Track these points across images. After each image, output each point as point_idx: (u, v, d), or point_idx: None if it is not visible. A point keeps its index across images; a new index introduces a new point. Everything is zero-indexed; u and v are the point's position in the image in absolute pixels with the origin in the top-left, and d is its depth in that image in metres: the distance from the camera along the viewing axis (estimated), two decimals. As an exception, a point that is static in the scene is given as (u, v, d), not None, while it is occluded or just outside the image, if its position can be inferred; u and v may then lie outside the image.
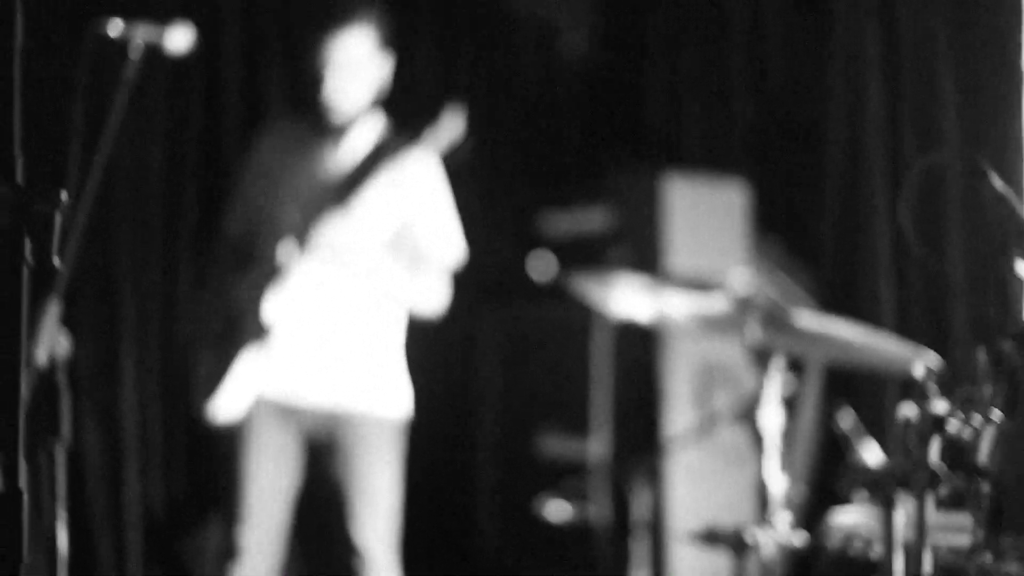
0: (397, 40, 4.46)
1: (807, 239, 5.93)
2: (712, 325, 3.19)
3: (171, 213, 5.92)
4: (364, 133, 4.36)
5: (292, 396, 4.30)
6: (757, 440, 2.88)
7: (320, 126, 4.33)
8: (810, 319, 2.91)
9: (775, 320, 2.91)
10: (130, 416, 5.82)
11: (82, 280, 5.65)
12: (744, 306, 2.89)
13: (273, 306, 4.20)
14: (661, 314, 3.20)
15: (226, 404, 4.26)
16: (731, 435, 5.17)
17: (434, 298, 4.37)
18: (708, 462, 5.18)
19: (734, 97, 6.26)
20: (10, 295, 2.53)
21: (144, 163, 5.85)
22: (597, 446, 4.94)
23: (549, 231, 5.64)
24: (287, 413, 4.31)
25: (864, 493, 3.07)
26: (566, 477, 4.74)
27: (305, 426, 4.33)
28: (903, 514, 2.58)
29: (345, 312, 4.31)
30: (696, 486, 5.16)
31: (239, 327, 4.29)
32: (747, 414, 2.86)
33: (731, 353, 5.22)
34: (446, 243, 4.40)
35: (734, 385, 5.26)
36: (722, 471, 5.21)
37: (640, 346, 5.15)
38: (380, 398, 4.36)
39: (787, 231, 5.85)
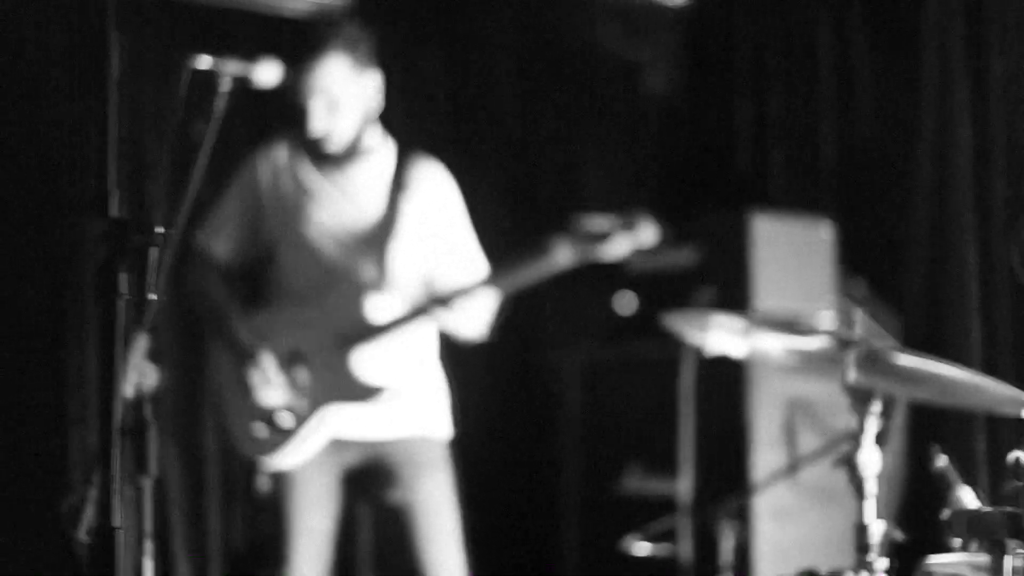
0: (385, 54, 4.32)
1: (893, 280, 5.88)
2: (811, 364, 3.14)
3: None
4: (377, 162, 4.31)
5: (341, 430, 4.22)
6: (856, 482, 2.82)
7: (322, 156, 4.27)
8: (912, 359, 2.85)
9: (876, 360, 2.86)
10: (212, 449, 5.83)
11: (165, 312, 5.66)
12: (845, 345, 2.84)
13: (374, 368, 4.16)
14: (756, 352, 3.15)
15: (299, 456, 4.21)
16: (816, 475, 5.13)
17: (481, 321, 4.29)
18: (795, 502, 5.12)
19: (821, 137, 6.22)
20: (106, 328, 2.53)
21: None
22: (683, 484, 4.89)
23: (635, 268, 5.61)
24: (334, 447, 4.23)
25: (965, 538, 3.01)
26: (651, 516, 4.70)
27: (352, 458, 4.27)
28: (1011, 562, 2.52)
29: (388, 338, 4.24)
30: (783, 526, 5.10)
31: (321, 380, 4.19)
32: (846, 455, 2.81)
33: (818, 391, 5.18)
34: (475, 262, 4.36)
35: (820, 424, 5.20)
36: (808, 511, 5.15)
37: (727, 384, 5.11)
38: (429, 420, 4.31)
39: (873, 272, 5.81)
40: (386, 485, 4.26)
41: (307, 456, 4.19)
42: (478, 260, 4.36)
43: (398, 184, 4.25)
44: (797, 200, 6.22)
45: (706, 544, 4.46)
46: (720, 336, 3.10)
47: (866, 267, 5.79)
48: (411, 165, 4.30)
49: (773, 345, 3.10)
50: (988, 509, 2.67)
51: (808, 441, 5.16)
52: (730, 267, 5.24)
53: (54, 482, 5.50)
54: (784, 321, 3.61)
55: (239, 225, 4.37)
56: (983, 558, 2.75)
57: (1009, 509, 2.55)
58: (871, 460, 2.81)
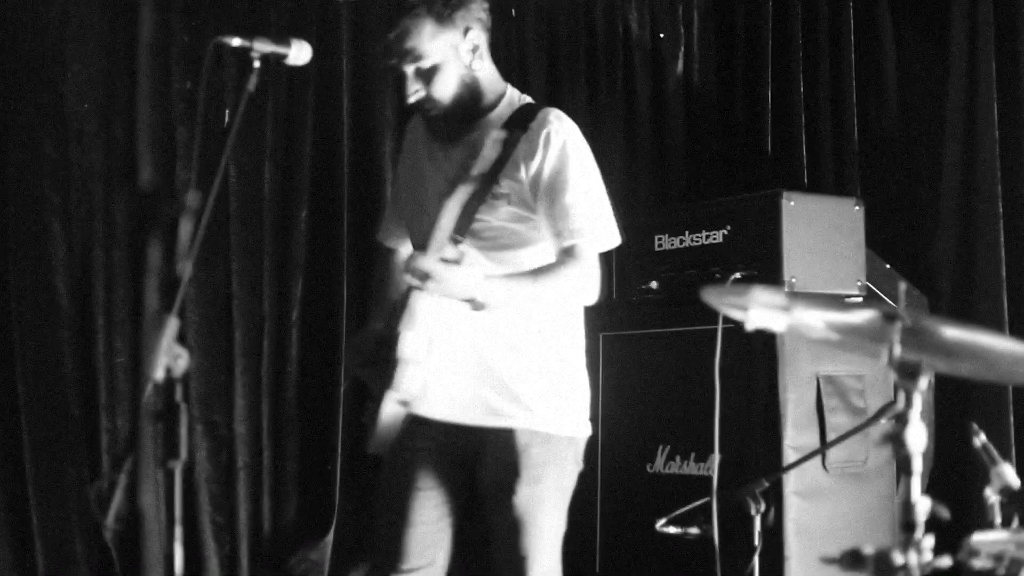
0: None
1: (921, 258, 5.88)
2: (851, 340, 3.09)
3: (284, 230, 5.90)
4: (484, 125, 3.89)
5: (451, 414, 3.90)
6: (903, 459, 2.77)
7: (432, 123, 3.95)
8: (959, 332, 2.79)
9: (922, 334, 2.80)
10: (240, 435, 5.82)
11: (194, 295, 5.63)
12: (890, 319, 2.79)
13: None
14: (796, 327, 3.09)
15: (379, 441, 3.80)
16: (845, 454, 5.10)
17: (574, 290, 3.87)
18: (824, 481, 5.10)
19: (848, 120, 6.23)
20: (137, 304, 2.50)
21: (258, 181, 5.83)
22: (716, 464, 4.87)
23: (667, 249, 5.59)
24: (449, 435, 3.90)
25: (1010, 514, 2.98)
26: (683, 495, 4.65)
27: (457, 446, 3.91)
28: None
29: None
30: (812, 506, 5.08)
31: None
32: (893, 432, 2.76)
33: (845, 370, 5.15)
34: (571, 228, 3.80)
35: (848, 403, 5.17)
36: (837, 491, 5.13)
37: (758, 363, 5.08)
38: (529, 408, 3.88)
39: (901, 249, 5.81)
40: (483, 472, 3.91)
41: (393, 435, 3.81)
42: (578, 225, 3.81)
43: (500, 147, 3.81)
44: (825, 180, 6.22)
45: (740, 522, 4.43)
46: (760, 311, 3.03)
47: (894, 245, 5.79)
48: (522, 124, 3.84)
49: (814, 320, 3.03)
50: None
51: (837, 421, 5.14)
52: (762, 246, 5.20)
53: (84, 468, 5.50)
54: (827, 296, 3.55)
55: (394, 209, 4.22)
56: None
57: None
58: (918, 436, 2.74)
